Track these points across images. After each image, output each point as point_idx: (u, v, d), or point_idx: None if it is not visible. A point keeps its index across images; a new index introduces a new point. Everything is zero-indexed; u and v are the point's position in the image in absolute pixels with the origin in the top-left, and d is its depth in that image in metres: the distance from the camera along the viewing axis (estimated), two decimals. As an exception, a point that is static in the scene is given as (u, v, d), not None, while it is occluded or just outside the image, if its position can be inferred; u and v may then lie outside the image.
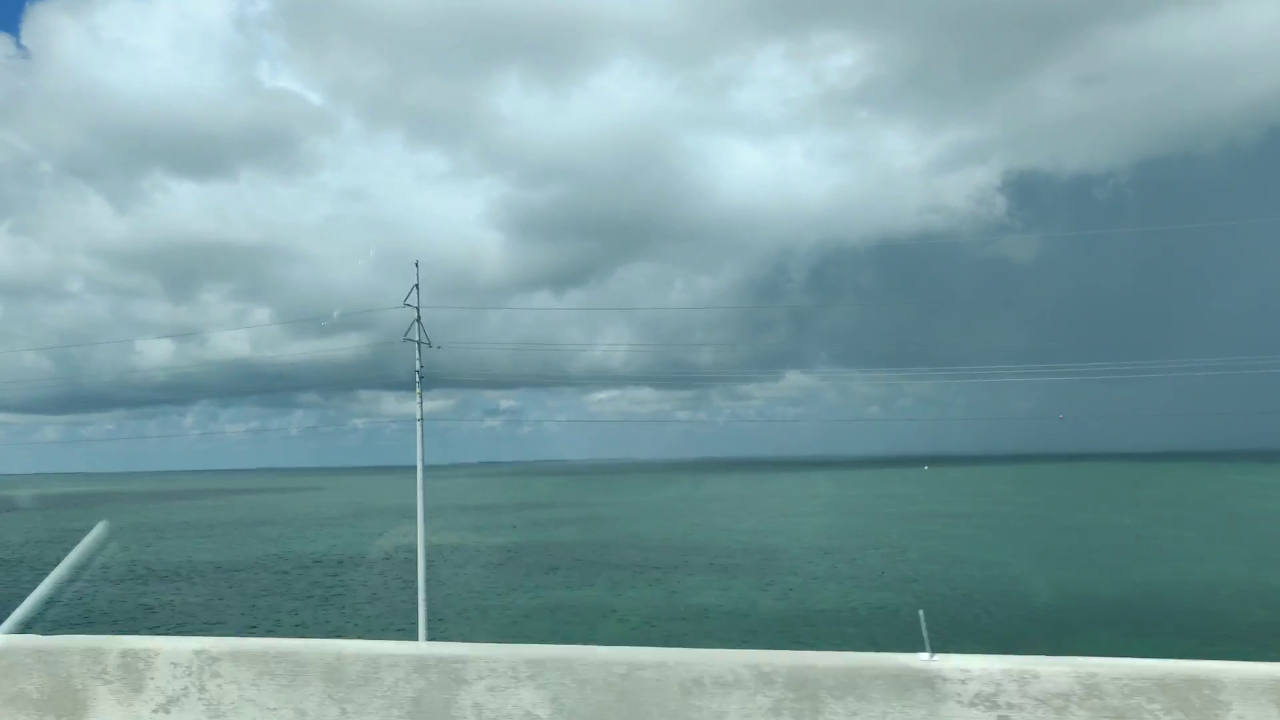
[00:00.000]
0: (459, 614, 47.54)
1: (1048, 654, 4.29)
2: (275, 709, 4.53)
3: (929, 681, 4.08)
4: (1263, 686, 3.76)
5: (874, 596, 51.61)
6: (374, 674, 4.49)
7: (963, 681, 4.03)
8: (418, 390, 27.15)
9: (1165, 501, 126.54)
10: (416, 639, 30.46)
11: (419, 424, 27.24)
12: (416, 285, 26.62)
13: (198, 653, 4.70)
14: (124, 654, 4.77)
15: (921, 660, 4.14)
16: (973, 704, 3.98)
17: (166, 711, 4.64)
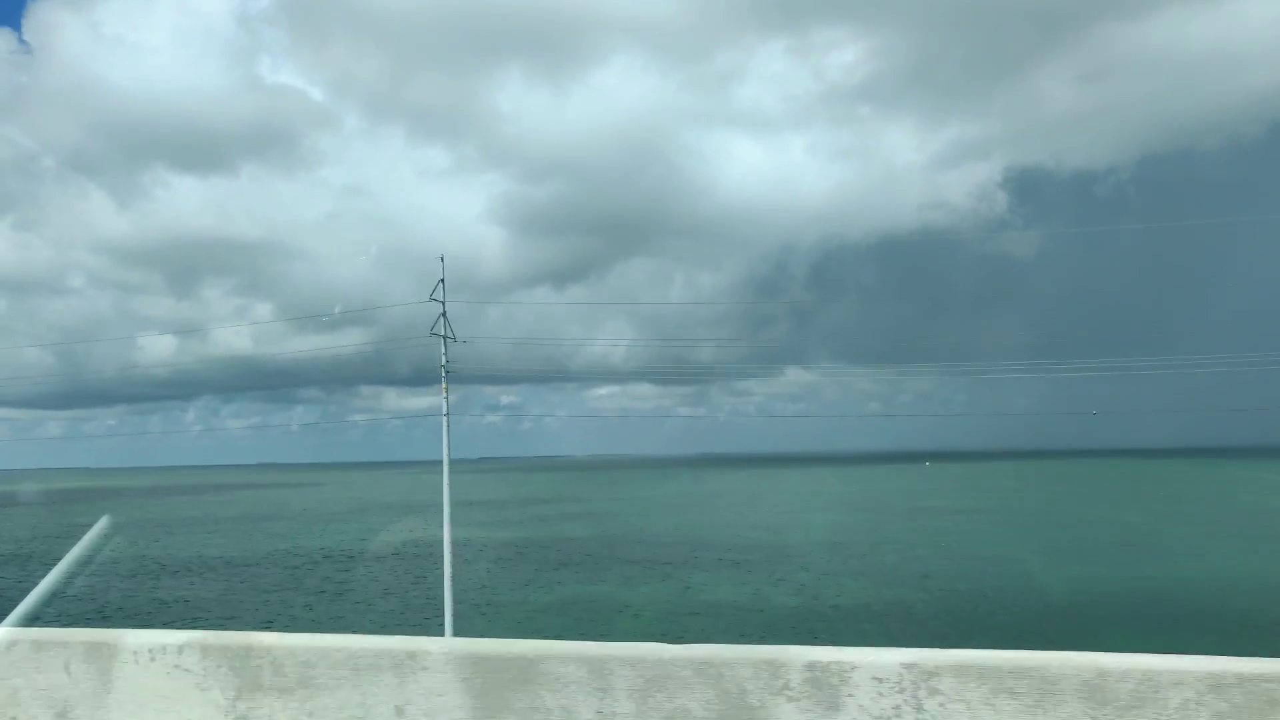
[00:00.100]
0: (474, 609, 47.46)
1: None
2: None
3: None
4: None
5: (889, 592, 51.58)
6: (1152, 694, 3.72)
7: None
8: (443, 385, 26.96)
9: (1171, 498, 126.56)
10: (447, 635, 30.38)
11: (444, 419, 27.07)
12: (442, 280, 26.40)
13: (908, 666, 4.03)
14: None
15: None
16: None
17: None
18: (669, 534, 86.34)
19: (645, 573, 60.40)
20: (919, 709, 3.88)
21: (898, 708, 3.90)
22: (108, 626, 5.03)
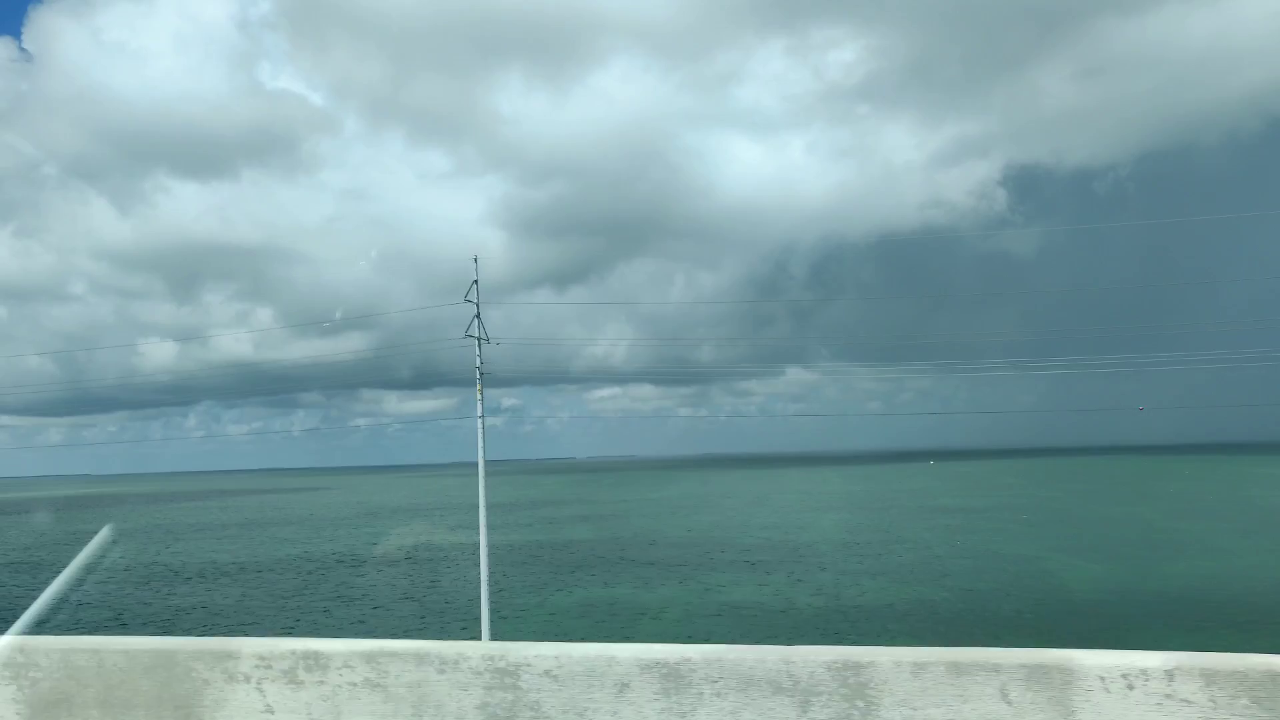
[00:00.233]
0: (494, 612, 47.03)
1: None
2: None
3: None
4: None
5: (910, 591, 51.20)
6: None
7: None
8: (478, 386, 26.60)
9: (1182, 494, 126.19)
10: (482, 638, 30.04)
11: (479, 420, 26.73)
12: (475, 281, 26.00)
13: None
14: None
15: None
16: None
17: None
18: (681, 535, 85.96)
19: (663, 575, 60.01)
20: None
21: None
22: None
